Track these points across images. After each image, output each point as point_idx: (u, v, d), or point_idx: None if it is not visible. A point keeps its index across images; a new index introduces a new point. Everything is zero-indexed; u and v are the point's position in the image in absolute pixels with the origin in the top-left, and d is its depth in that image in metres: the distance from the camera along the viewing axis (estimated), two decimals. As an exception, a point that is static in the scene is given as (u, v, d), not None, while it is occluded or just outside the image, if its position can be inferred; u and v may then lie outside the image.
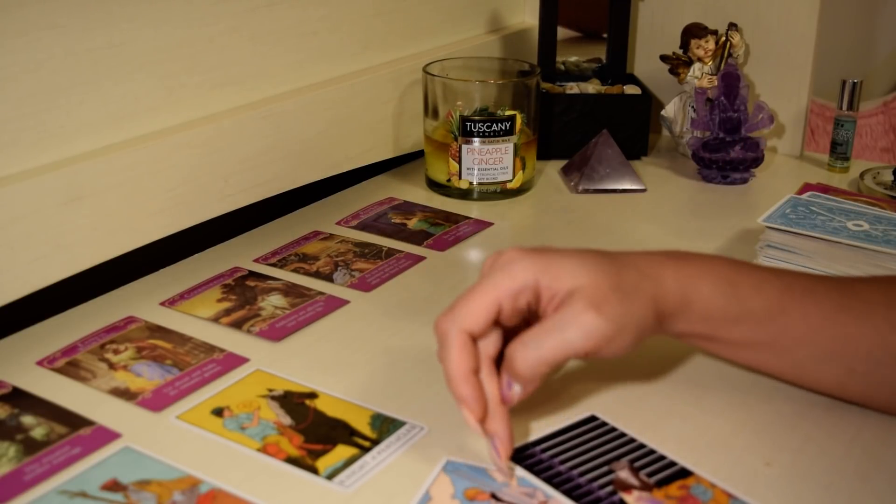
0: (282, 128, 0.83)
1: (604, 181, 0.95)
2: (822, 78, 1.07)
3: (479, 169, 0.91)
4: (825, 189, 0.90)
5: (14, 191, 0.63)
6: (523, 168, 0.92)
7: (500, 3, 1.12)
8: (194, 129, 0.75)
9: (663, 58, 1.04)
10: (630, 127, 1.03)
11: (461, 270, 0.79)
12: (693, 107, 1.01)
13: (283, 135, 0.83)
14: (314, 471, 0.52)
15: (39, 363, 0.63)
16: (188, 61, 0.75)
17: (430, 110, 0.93)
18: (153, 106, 0.74)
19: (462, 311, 0.51)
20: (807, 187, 0.90)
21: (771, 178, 1.00)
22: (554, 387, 0.60)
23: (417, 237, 0.84)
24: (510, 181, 0.92)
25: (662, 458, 0.53)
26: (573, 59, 1.15)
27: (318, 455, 0.54)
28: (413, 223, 0.87)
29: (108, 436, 0.56)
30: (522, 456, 0.53)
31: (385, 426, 0.56)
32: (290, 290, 0.73)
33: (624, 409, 0.58)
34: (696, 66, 1.01)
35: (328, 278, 0.76)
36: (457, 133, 0.90)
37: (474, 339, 0.52)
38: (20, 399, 0.59)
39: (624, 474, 0.52)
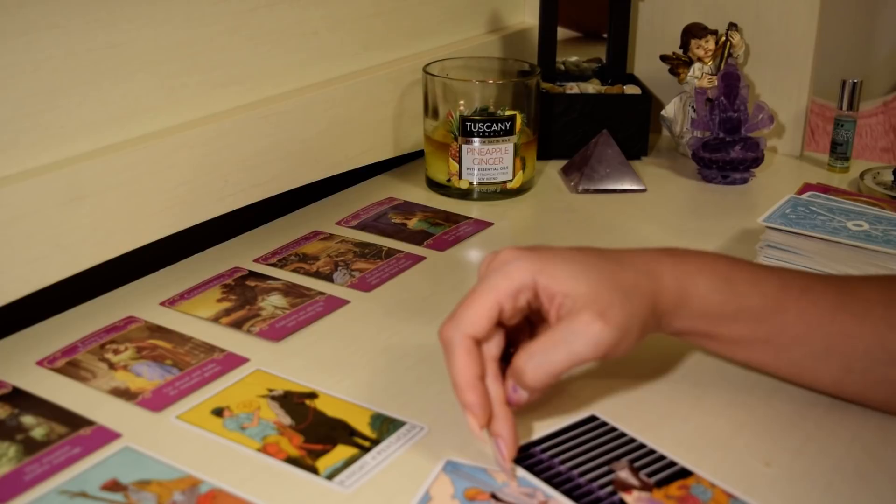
0: (282, 128, 0.83)
1: (604, 181, 0.95)
2: (822, 78, 1.07)
3: (479, 169, 0.91)
4: (825, 189, 0.90)
5: (14, 191, 0.63)
6: (523, 168, 0.92)
7: (500, 3, 1.12)
8: (194, 129, 0.75)
9: (663, 58, 1.04)
10: (630, 127, 1.03)
11: (461, 270, 0.79)
12: (693, 107, 1.01)
13: (283, 135, 0.83)
14: (314, 471, 0.52)
15: (39, 363, 0.63)
16: (188, 61, 0.75)
17: (430, 110, 0.93)
18: (153, 106, 0.74)
19: (464, 317, 0.51)
20: (807, 187, 0.90)
21: (771, 178, 1.00)
22: (554, 387, 0.60)
23: (417, 237, 0.84)
24: (510, 181, 0.92)
25: (662, 458, 0.53)
26: (573, 59, 1.15)
27: (318, 455, 0.54)
28: (413, 223, 0.87)
29: (108, 436, 0.56)
30: (522, 456, 0.53)
31: (385, 426, 0.56)
32: (290, 290, 0.73)
33: (624, 409, 0.58)
34: (696, 66, 1.01)
35: (328, 278, 0.76)
36: (457, 133, 0.90)
37: (478, 343, 0.52)
38: (20, 399, 0.59)
39: (624, 474, 0.52)
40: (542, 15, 1.06)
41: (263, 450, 0.54)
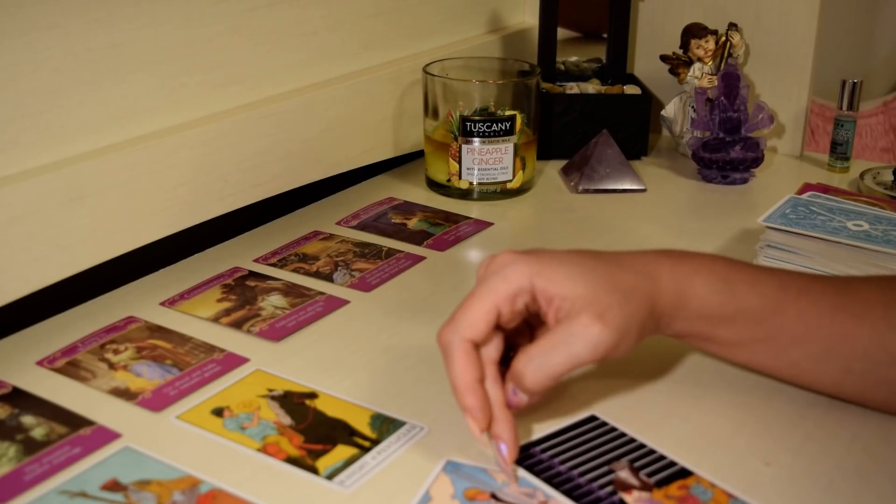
0: (282, 128, 0.83)
1: (604, 181, 0.95)
2: (822, 78, 1.07)
3: (479, 169, 0.91)
4: (825, 189, 0.90)
5: (14, 191, 0.63)
6: (523, 168, 0.92)
7: (500, 3, 1.12)
8: (194, 129, 0.75)
9: (663, 58, 1.04)
10: (630, 127, 1.03)
11: (461, 270, 0.79)
12: (693, 107, 1.01)
13: (283, 135, 0.83)
14: (314, 471, 0.52)
15: (39, 363, 0.63)
16: (188, 61, 0.75)
17: (430, 110, 0.93)
18: (153, 106, 0.74)
19: (462, 321, 0.51)
20: (807, 187, 0.90)
21: (771, 178, 1.00)
22: (554, 388, 0.60)
23: (417, 237, 0.84)
24: (510, 181, 0.92)
25: (662, 458, 0.53)
26: (573, 59, 1.15)
27: (318, 455, 0.54)
28: (413, 223, 0.87)
29: (108, 436, 0.56)
30: (523, 456, 0.53)
31: (385, 426, 0.56)
32: (290, 290, 0.73)
33: (624, 409, 0.58)
34: (696, 66, 1.01)
35: (328, 278, 0.76)
36: (457, 133, 0.90)
37: (477, 346, 0.52)
38: (20, 399, 0.59)
39: (624, 474, 0.52)
40: (542, 15, 1.06)
41: (263, 450, 0.54)
